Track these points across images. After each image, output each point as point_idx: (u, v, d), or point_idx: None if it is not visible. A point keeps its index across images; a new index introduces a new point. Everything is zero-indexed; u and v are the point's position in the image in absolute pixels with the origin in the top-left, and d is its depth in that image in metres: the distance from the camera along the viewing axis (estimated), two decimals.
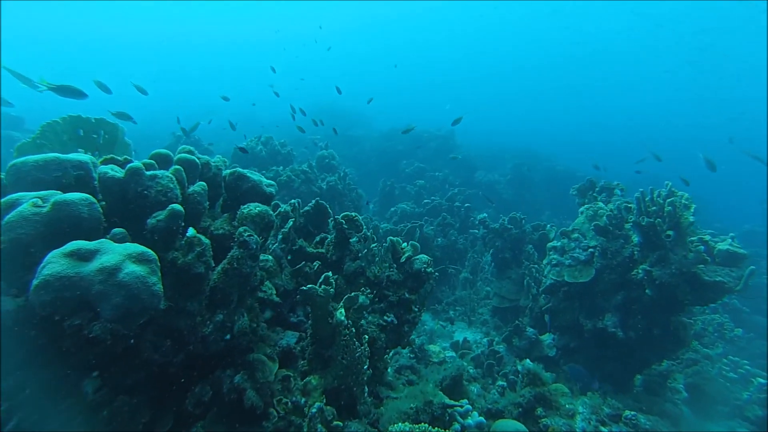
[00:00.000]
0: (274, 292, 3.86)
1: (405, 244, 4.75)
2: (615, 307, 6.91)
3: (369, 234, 4.49)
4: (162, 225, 2.62)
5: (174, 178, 2.88)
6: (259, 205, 3.28)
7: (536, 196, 22.81)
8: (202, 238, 2.78)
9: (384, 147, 22.36)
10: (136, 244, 2.33)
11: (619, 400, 7.28)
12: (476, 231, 13.70)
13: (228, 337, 2.99)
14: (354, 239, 4.46)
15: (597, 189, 8.49)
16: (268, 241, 4.46)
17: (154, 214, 2.65)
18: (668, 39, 55.93)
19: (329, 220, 5.09)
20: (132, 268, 2.11)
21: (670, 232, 5.69)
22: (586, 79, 76.50)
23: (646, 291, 6.35)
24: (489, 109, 75.93)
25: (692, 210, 5.66)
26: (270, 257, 4.08)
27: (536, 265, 9.86)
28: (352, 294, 3.74)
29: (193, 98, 43.60)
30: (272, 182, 3.82)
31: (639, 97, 76.40)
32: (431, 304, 10.89)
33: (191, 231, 2.76)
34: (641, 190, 6.17)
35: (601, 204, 7.51)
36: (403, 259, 4.60)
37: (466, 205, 13.79)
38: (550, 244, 7.87)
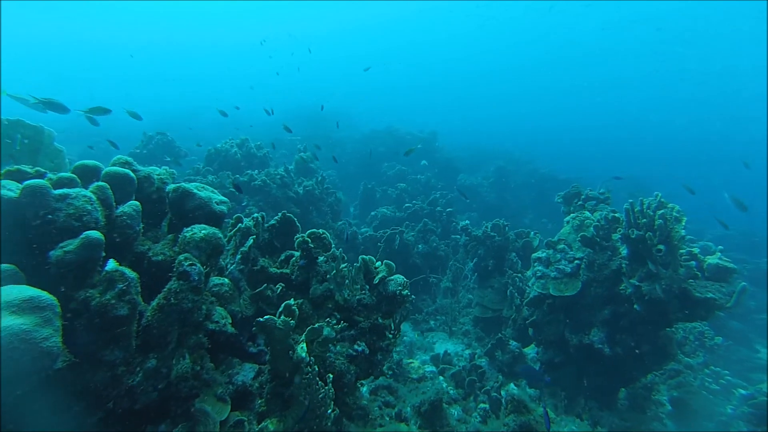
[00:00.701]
0: (230, 321, 3.37)
1: (379, 263, 4.30)
2: (602, 322, 6.58)
3: (338, 253, 4.02)
4: (71, 257, 2.12)
5: (93, 198, 2.37)
6: (206, 227, 2.79)
7: (519, 198, 22.61)
8: (126, 272, 2.28)
9: (365, 149, 21.88)
10: (26, 286, 1.83)
11: (604, 418, 6.99)
12: (458, 237, 13.34)
13: (161, 385, 2.49)
14: (321, 259, 3.99)
15: (583, 197, 8.17)
16: (226, 261, 3.96)
17: (61, 244, 2.14)
18: (654, 39, 56.54)
19: (297, 235, 4.61)
20: (9, 322, 1.62)
21: (660, 247, 5.36)
22: (569, 80, 77.22)
23: (635, 306, 6.02)
24: (472, 111, 76.18)
25: (683, 223, 5.33)
26: (226, 280, 3.58)
27: (519, 275, 9.52)
28: (316, 325, 3.28)
29: (176, 100, 42.53)
30: (225, 200, 3.33)
31: (623, 98, 77.41)
32: (411, 314, 10.47)
33: (111, 264, 2.26)
34: (630, 200, 5.83)
35: (587, 213, 7.17)
36: (376, 280, 4.14)
37: (448, 209, 13.41)
38: (534, 255, 7.50)
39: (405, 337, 9.53)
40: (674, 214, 5.38)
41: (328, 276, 3.92)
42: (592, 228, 6.53)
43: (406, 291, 4.12)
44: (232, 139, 11.96)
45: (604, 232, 6.49)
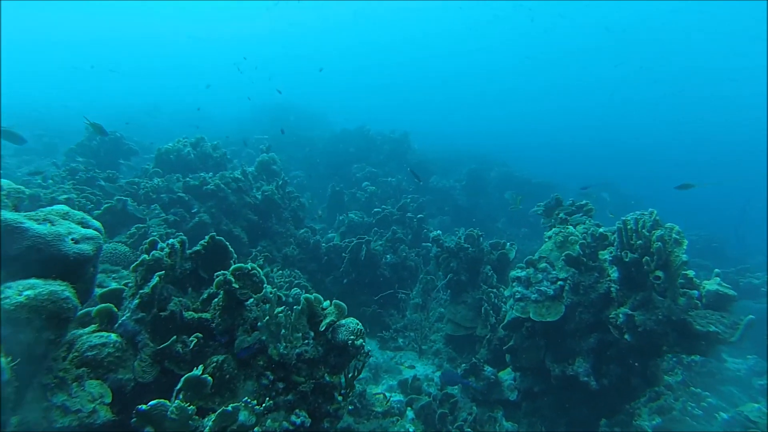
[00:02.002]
0: (108, 398, 2.38)
1: (327, 302, 3.37)
2: (587, 351, 5.82)
3: (272, 294, 3.07)
4: None
5: None
6: (37, 284, 1.81)
7: (491, 202, 22.00)
8: None
9: (335, 149, 20.86)
10: None
11: None
12: (429, 245, 12.52)
13: None
14: (251, 301, 3.04)
15: (564, 209, 7.43)
16: (123, 307, 2.96)
17: None
18: (628, 43, 57.22)
19: (231, 261, 3.65)
20: None
21: (659, 273, 4.61)
22: (544, 83, 77.75)
23: (625, 336, 5.28)
24: (445, 113, 75.77)
25: (684, 246, 4.60)
26: (112, 337, 2.59)
27: (494, 290, 8.75)
28: (229, 408, 2.32)
29: (137, 95, 40.37)
30: (92, 234, 2.35)
31: (597, 101, 78.36)
32: (377, 331, 9.58)
33: None
34: (623, 218, 5.07)
35: (571, 229, 6.41)
36: (323, 326, 3.21)
37: (419, 216, 12.57)
38: (513, 273, 6.70)
39: (371, 358, 8.63)
40: (674, 236, 4.64)
41: (259, 324, 2.96)
42: (577, 246, 5.76)
43: (360, 341, 3.21)
44: (185, 138, 10.77)
45: (590, 250, 5.73)
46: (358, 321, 3.33)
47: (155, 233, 6.88)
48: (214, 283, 2.99)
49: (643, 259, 4.66)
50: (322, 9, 65.55)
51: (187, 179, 8.87)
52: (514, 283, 6.59)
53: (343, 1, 61.53)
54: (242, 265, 3.11)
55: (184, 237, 3.49)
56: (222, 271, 3.04)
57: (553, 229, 6.62)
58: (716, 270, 5.38)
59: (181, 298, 3.10)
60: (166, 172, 9.80)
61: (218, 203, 8.88)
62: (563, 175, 30.00)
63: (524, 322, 6.43)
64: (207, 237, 3.65)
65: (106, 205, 7.24)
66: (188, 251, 3.53)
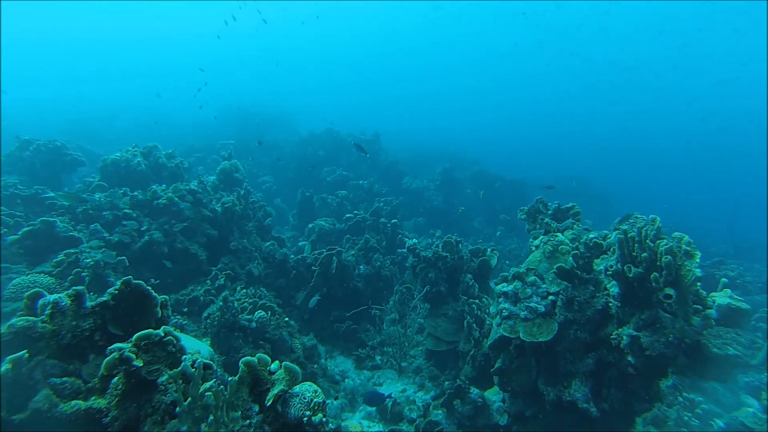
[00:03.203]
0: None
1: (275, 364, 2.53)
2: (585, 374, 5.15)
3: (197, 365, 2.20)
4: None
5: None
6: None
7: (465, 201, 21.46)
8: None
9: (304, 153, 19.87)
10: None
11: None
12: (404, 251, 11.76)
13: None
14: (164, 377, 2.18)
15: (550, 212, 6.77)
16: None
17: None
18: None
19: (112, 347, 2.75)
20: None
21: (670, 291, 3.94)
22: (512, 80, 77.97)
23: (628, 358, 4.63)
24: (414, 112, 75.22)
25: (697, 260, 3.95)
26: None
27: (477, 301, 8.05)
28: None
29: (93, 100, 38.15)
30: None
31: (565, 97, 79.04)
32: (352, 349, 8.75)
33: None
34: (624, 227, 4.40)
35: (561, 237, 5.73)
36: (268, 400, 2.38)
37: (393, 221, 11.79)
38: (498, 287, 5.99)
39: (345, 381, 7.80)
40: (684, 247, 3.98)
41: (177, 409, 2.10)
42: (570, 257, 5.07)
43: (320, 416, 2.38)
44: (135, 147, 9.64)
45: (584, 261, 5.05)
46: (316, 388, 2.49)
47: (88, 260, 5.86)
48: (104, 364, 2.11)
49: (651, 276, 3.99)
50: (287, 8, 63.66)
51: (135, 193, 7.82)
52: (500, 299, 5.87)
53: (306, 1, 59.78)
54: (151, 331, 2.24)
55: (81, 288, 2.58)
56: (118, 345, 2.15)
57: (541, 237, 5.93)
58: (723, 279, 4.77)
59: (65, 380, 2.20)
60: (113, 186, 8.72)
61: (172, 218, 7.88)
62: (534, 171, 29.81)
63: (513, 340, 5.72)
64: (119, 282, 2.75)
65: (26, 228, 6.16)
66: (90, 304, 2.63)
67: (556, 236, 5.71)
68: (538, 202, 7.18)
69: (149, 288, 2.86)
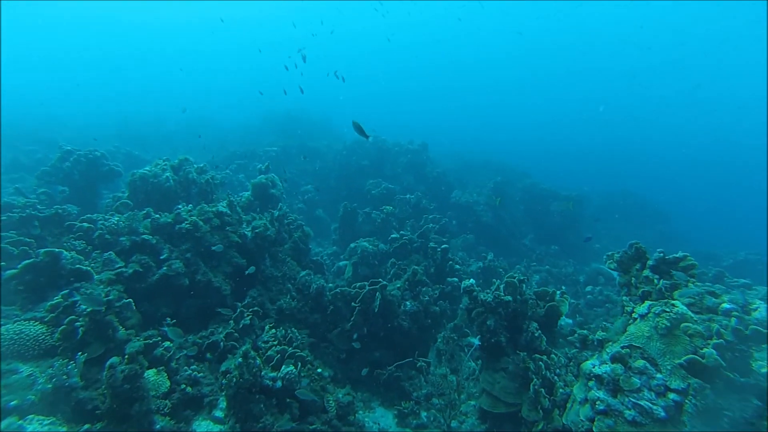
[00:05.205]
0: None
1: None
2: None
3: None
4: None
5: None
6: None
7: (516, 216, 19.67)
8: None
9: (347, 162, 18.72)
10: None
11: None
12: (455, 279, 10.33)
13: None
14: None
15: (651, 263, 5.16)
16: None
17: None
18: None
19: None
20: None
21: None
22: (561, 90, 74.27)
23: None
24: (459, 120, 72.98)
25: None
26: None
27: (545, 357, 6.52)
28: None
29: (138, 102, 38.81)
30: None
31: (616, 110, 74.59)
32: (394, 399, 7.43)
33: None
34: None
35: (682, 308, 4.13)
36: None
37: (443, 245, 10.35)
38: (586, 365, 4.48)
39: None
40: None
41: None
42: (713, 351, 3.50)
43: None
44: (166, 160, 8.74)
45: (736, 355, 3.48)
46: None
47: (85, 305, 4.83)
48: None
49: None
50: (340, 11, 62.58)
51: (156, 216, 6.83)
52: (590, 383, 4.36)
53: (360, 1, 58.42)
54: None
55: None
56: None
57: (650, 304, 4.35)
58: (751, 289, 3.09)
59: None
60: (139, 203, 7.83)
61: (195, 246, 6.83)
62: (589, 185, 27.41)
63: None
64: None
65: (26, 262, 5.22)
66: None
67: (674, 306, 4.13)
68: (633, 247, 5.57)
69: None
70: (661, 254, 5.08)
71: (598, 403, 4.12)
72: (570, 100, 76.18)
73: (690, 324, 3.91)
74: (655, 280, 4.82)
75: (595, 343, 5.32)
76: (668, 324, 4.04)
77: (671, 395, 3.77)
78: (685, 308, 4.07)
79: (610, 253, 5.84)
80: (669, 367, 3.89)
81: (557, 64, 66.33)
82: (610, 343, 4.85)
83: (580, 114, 77.73)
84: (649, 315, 4.27)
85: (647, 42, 51.59)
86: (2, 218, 6.87)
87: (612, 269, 5.63)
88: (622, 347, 4.23)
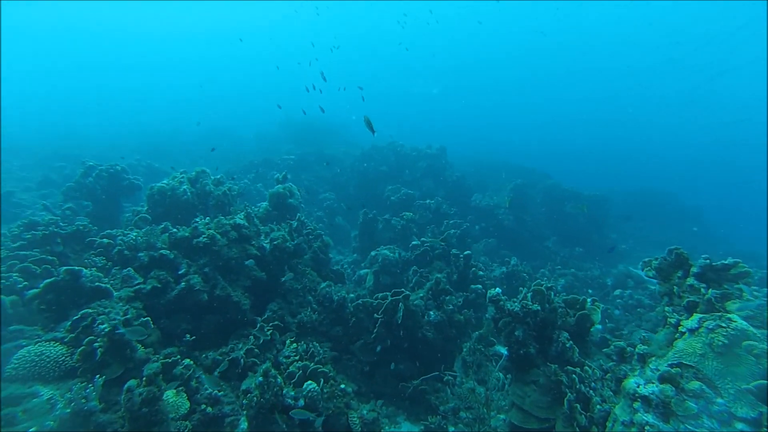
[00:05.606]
0: None
1: None
2: None
3: None
4: None
5: None
6: None
7: (537, 218, 19.11)
8: None
9: (365, 168, 18.50)
10: None
11: None
12: (479, 286, 9.96)
13: None
14: None
15: (695, 270, 4.73)
16: None
17: None
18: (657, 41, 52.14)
19: None
20: None
21: None
22: (579, 90, 72.57)
23: None
24: (475, 122, 72.08)
25: None
26: None
27: (578, 370, 6.11)
28: None
29: (158, 112, 39.39)
30: None
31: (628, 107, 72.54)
32: (420, 413, 7.10)
33: None
34: None
35: (740, 322, 3.72)
36: None
37: (466, 252, 9.99)
38: (630, 384, 4.09)
39: None
40: None
41: None
42: None
43: None
44: (184, 172, 8.64)
45: None
46: None
47: (104, 325, 4.66)
48: None
49: None
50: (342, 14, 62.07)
51: (173, 230, 6.68)
52: (635, 404, 3.97)
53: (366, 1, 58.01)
54: None
55: None
56: None
57: (701, 318, 3.95)
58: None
59: None
60: (158, 217, 7.72)
61: (213, 260, 6.66)
62: (608, 184, 26.56)
63: None
64: None
65: (47, 281, 5.10)
66: None
67: (731, 321, 3.72)
68: (673, 252, 5.14)
69: None
70: (707, 260, 4.65)
71: (647, 428, 3.74)
72: (588, 100, 74.44)
73: (755, 343, 3.50)
74: (702, 290, 4.40)
75: (636, 357, 4.91)
76: (725, 341, 3.64)
77: (738, 425, 3.36)
78: (745, 323, 3.66)
79: (647, 259, 5.42)
80: (732, 392, 3.48)
81: (571, 63, 64.85)
82: (654, 358, 4.44)
83: (597, 114, 75.95)
84: (700, 330, 3.86)
85: (672, 39, 50.00)
86: (27, 236, 6.84)
87: (650, 277, 5.21)
88: (671, 365, 3.83)
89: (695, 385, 3.60)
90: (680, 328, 4.12)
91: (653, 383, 3.89)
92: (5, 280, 5.26)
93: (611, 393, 5.55)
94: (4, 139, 23.12)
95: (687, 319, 4.13)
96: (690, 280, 4.69)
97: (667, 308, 4.75)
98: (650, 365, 4.28)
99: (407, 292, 7.55)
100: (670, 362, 3.90)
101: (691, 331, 3.95)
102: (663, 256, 5.16)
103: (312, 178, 18.03)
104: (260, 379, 4.97)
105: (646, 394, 3.87)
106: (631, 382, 4.15)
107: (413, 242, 10.87)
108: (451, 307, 8.19)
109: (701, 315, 3.96)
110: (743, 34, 39.91)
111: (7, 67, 64.02)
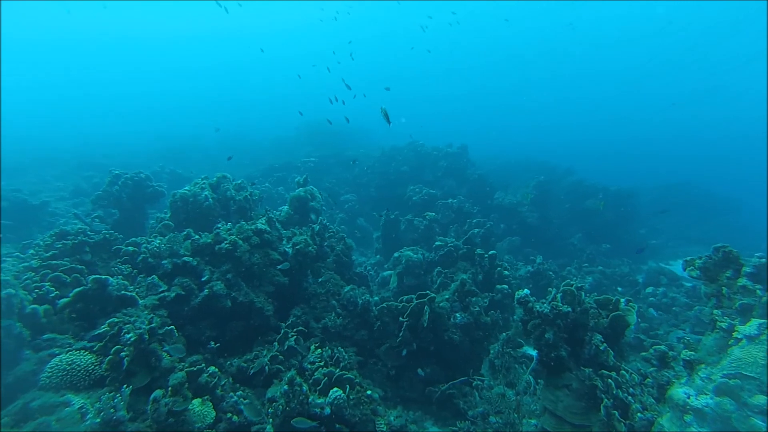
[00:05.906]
0: None
1: None
2: None
3: None
4: None
5: None
6: None
7: (562, 215, 18.54)
8: None
9: (386, 169, 18.29)
10: None
11: None
12: (505, 286, 9.63)
13: None
14: None
15: (748, 270, 4.35)
16: None
17: None
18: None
19: None
20: None
21: None
22: (598, 85, 70.62)
23: None
24: (494, 120, 70.88)
25: None
26: None
27: (614, 374, 5.76)
28: None
29: (181, 118, 40.03)
30: None
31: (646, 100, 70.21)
32: (447, 418, 6.86)
33: None
34: None
35: None
36: None
37: (491, 252, 9.67)
38: (677, 394, 3.78)
39: None
40: None
41: None
42: None
43: None
44: (205, 178, 8.61)
45: None
46: None
47: (130, 335, 4.59)
48: None
49: None
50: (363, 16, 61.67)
51: (196, 237, 6.62)
52: (687, 417, 3.65)
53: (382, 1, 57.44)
54: None
55: None
56: None
57: (758, 323, 3.60)
58: None
59: None
60: (180, 223, 7.69)
61: (235, 266, 6.56)
62: (634, 179, 25.59)
63: None
64: None
65: (77, 290, 5.08)
66: None
67: None
68: (719, 250, 4.76)
69: None
70: (762, 259, 4.27)
71: None
72: (613, 98, 72.40)
73: None
74: (758, 291, 4.03)
75: (681, 363, 4.56)
76: None
77: None
78: None
79: (689, 258, 5.05)
80: None
81: (595, 62, 63.15)
82: (703, 365, 4.10)
83: (623, 112, 73.82)
84: (761, 338, 3.52)
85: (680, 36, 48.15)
86: (58, 245, 6.86)
87: (694, 277, 4.84)
88: (727, 375, 3.50)
89: (761, 400, 3.26)
90: (735, 334, 3.78)
91: (706, 394, 3.57)
92: (38, 289, 5.27)
93: (653, 401, 5.20)
94: (41, 151, 23.86)
95: (742, 324, 3.78)
96: (742, 281, 4.31)
97: (715, 311, 4.38)
98: (700, 373, 3.94)
99: (432, 295, 7.31)
100: (726, 372, 3.57)
101: (750, 338, 3.61)
102: (708, 254, 4.78)
103: (333, 180, 17.94)
104: (285, 387, 4.83)
105: (700, 406, 3.55)
106: (679, 392, 3.83)
107: (437, 243, 10.61)
108: (477, 308, 7.91)
109: (761, 320, 3.60)
110: None
111: (32, 77, 66.20)
